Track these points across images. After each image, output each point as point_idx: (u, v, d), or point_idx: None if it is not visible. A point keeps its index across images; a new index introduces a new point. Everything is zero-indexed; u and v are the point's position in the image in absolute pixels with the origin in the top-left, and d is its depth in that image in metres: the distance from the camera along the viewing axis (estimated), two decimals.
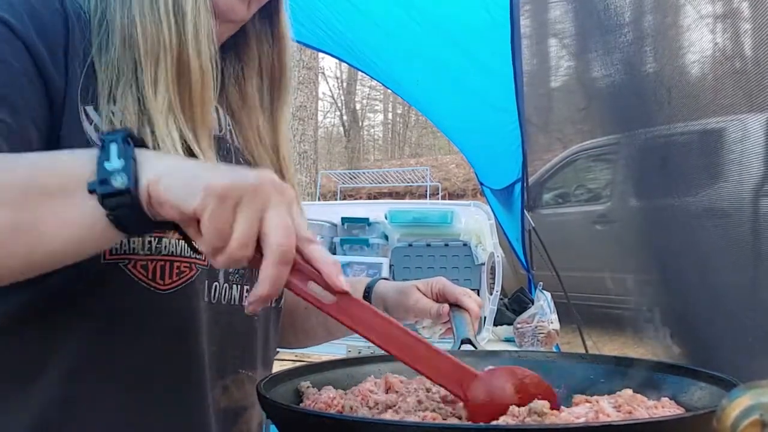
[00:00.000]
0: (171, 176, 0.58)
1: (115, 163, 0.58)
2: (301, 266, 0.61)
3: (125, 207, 0.58)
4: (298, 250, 0.60)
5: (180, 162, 0.63)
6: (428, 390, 0.77)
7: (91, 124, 0.75)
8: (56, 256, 0.63)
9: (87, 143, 0.74)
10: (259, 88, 0.97)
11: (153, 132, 0.76)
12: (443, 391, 0.70)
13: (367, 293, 1.03)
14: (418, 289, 1.01)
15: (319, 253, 0.61)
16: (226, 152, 0.90)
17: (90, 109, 0.76)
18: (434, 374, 0.64)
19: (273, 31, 0.97)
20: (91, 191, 0.58)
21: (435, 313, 0.99)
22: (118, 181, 0.58)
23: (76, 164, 0.61)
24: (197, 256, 0.79)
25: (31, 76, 0.72)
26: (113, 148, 0.59)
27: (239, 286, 0.87)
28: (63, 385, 0.76)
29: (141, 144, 0.62)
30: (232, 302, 0.86)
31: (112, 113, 0.76)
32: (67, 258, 0.64)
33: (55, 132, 0.74)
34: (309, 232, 0.62)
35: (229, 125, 0.94)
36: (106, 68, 0.77)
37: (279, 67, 0.97)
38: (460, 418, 0.70)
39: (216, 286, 0.84)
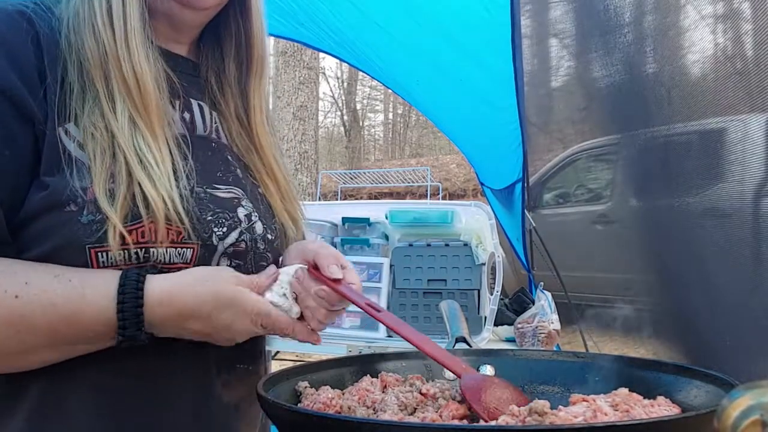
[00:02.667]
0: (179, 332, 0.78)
1: (132, 331, 0.74)
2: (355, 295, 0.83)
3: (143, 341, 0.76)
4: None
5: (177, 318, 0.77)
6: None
7: (73, 141, 0.76)
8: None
9: (67, 164, 0.75)
10: (236, 63, 0.96)
11: (123, 152, 0.76)
12: (424, 389, 0.79)
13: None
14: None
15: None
16: (212, 152, 0.90)
17: (71, 126, 0.76)
18: (442, 359, 0.80)
19: (244, 1, 0.95)
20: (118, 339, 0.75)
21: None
22: (140, 338, 0.75)
23: (103, 315, 0.74)
24: (187, 263, 0.80)
25: (11, 127, 0.73)
26: (130, 322, 0.74)
27: None
28: (61, 385, 0.77)
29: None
30: None
31: (85, 131, 0.76)
32: None
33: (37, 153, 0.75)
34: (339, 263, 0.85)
35: (215, 122, 0.93)
36: (74, 87, 0.77)
37: (250, 38, 0.96)
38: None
39: None
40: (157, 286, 0.75)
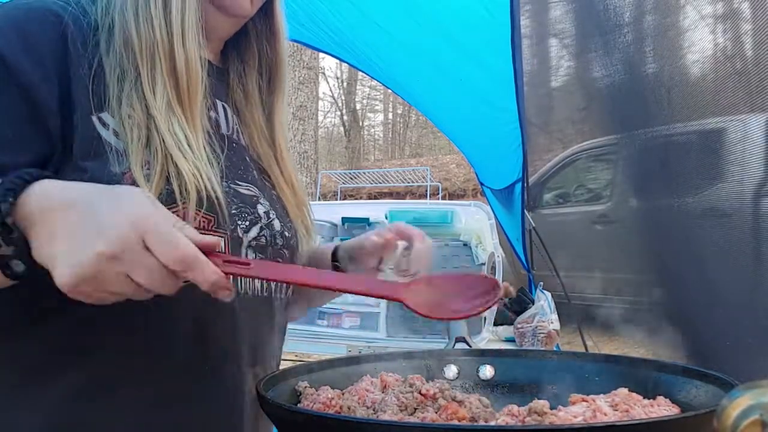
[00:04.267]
0: (43, 255, 0.61)
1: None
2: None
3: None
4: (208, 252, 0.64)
5: (46, 227, 0.63)
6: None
7: (108, 129, 0.76)
8: None
9: (104, 150, 0.75)
10: (259, 84, 1.00)
11: (159, 131, 0.77)
12: (424, 389, 0.76)
13: (335, 250, 1.05)
14: (375, 234, 1.01)
15: (207, 240, 0.64)
16: (233, 151, 0.91)
17: (105, 115, 0.77)
18: (370, 290, 0.70)
19: (270, 26, 1.00)
20: None
21: (380, 240, 0.98)
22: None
23: None
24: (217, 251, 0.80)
25: (25, 107, 0.72)
26: None
27: None
28: (83, 384, 0.77)
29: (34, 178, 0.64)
30: (256, 293, 0.87)
31: (121, 113, 0.77)
32: None
33: (61, 140, 0.75)
34: (188, 234, 0.63)
35: (235, 124, 0.95)
36: (112, 70, 0.78)
37: (275, 61, 1.01)
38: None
39: (240, 278, 0.84)
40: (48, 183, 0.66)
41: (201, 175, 0.77)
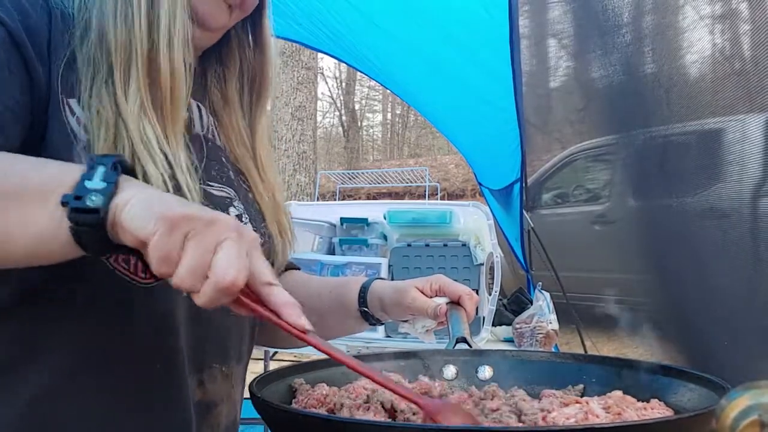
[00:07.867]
0: (135, 204, 0.59)
1: (96, 183, 0.60)
2: (262, 309, 0.63)
3: (89, 225, 0.60)
4: (258, 294, 0.62)
5: (154, 193, 0.63)
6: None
7: (74, 116, 0.75)
8: (9, 256, 0.64)
9: (69, 135, 0.74)
10: (239, 91, 0.97)
11: (128, 131, 0.75)
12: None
13: (363, 293, 1.03)
14: (416, 288, 1.00)
15: (278, 296, 0.63)
16: (209, 150, 0.90)
17: (73, 102, 0.76)
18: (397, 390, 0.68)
19: (255, 37, 0.97)
20: (64, 203, 0.60)
21: (432, 312, 0.98)
22: (92, 200, 0.59)
23: (60, 175, 0.62)
24: None
25: (14, 66, 0.72)
26: (99, 170, 0.61)
27: None
28: (45, 380, 0.76)
29: (131, 171, 0.64)
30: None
31: (90, 107, 0.75)
32: (19, 261, 0.66)
33: (39, 123, 0.74)
34: (269, 276, 0.63)
35: (211, 124, 0.94)
36: (83, 63, 0.77)
37: (259, 74, 0.98)
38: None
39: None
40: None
41: (165, 174, 0.75)
